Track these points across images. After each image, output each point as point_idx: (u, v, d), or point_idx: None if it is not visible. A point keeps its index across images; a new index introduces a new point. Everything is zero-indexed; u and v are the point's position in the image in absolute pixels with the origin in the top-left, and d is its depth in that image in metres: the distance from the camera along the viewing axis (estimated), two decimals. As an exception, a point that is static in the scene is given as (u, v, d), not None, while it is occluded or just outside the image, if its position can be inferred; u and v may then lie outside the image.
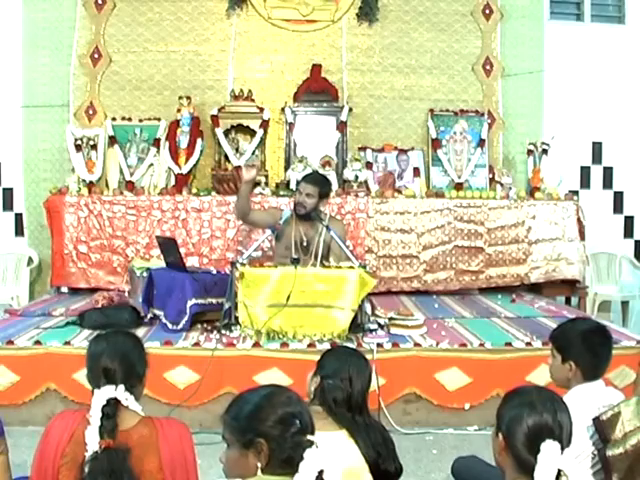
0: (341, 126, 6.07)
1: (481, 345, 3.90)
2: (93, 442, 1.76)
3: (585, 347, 2.26)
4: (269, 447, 1.51)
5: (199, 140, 5.94)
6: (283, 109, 6.15)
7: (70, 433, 1.83)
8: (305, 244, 4.45)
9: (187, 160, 5.90)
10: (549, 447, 1.55)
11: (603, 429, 2.04)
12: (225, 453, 1.60)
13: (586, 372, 2.26)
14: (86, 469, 1.75)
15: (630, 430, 2.01)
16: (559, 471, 1.55)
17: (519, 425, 1.61)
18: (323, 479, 1.50)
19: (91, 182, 5.77)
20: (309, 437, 1.53)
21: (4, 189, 6.38)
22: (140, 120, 6.13)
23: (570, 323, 2.48)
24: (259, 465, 1.52)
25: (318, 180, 4.55)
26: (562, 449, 1.57)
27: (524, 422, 1.60)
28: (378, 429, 2.21)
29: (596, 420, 2.07)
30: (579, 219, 5.74)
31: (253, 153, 5.95)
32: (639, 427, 2.02)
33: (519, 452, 1.60)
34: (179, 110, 5.97)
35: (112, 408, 1.82)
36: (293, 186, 5.60)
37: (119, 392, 1.85)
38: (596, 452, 2.08)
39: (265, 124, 5.96)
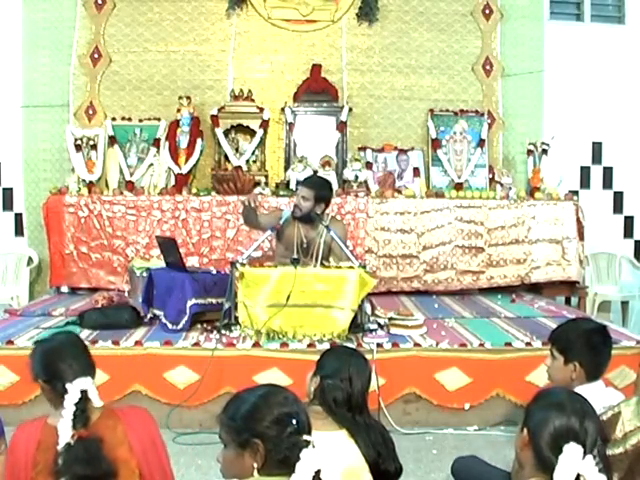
0: (341, 126, 6.07)
1: (481, 345, 3.90)
2: (66, 434, 1.77)
3: (589, 347, 2.26)
4: (265, 447, 1.51)
5: (199, 140, 5.94)
6: (283, 109, 6.15)
7: (36, 442, 1.84)
8: (305, 245, 4.44)
9: (187, 160, 5.90)
10: (572, 449, 1.56)
11: (603, 429, 2.04)
12: (222, 453, 1.60)
13: (589, 372, 2.26)
14: (60, 460, 1.75)
15: (630, 430, 2.01)
16: (578, 475, 1.55)
17: (546, 425, 1.63)
18: (321, 479, 1.50)
19: (91, 182, 5.77)
20: (306, 437, 1.53)
21: (4, 189, 6.38)
22: (140, 120, 6.13)
23: (571, 324, 2.48)
24: (255, 465, 1.52)
25: (315, 184, 4.46)
26: (585, 454, 1.57)
27: (551, 423, 1.62)
28: (378, 429, 2.21)
29: (596, 420, 2.07)
30: (579, 219, 5.74)
31: (253, 153, 5.95)
32: (639, 427, 2.02)
33: (542, 450, 1.62)
34: (179, 110, 5.97)
35: (84, 400, 1.85)
36: (293, 186, 5.61)
37: (88, 383, 1.88)
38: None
39: (265, 124, 5.96)
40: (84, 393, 1.85)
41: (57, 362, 1.93)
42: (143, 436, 1.94)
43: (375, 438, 2.14)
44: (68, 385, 1.85)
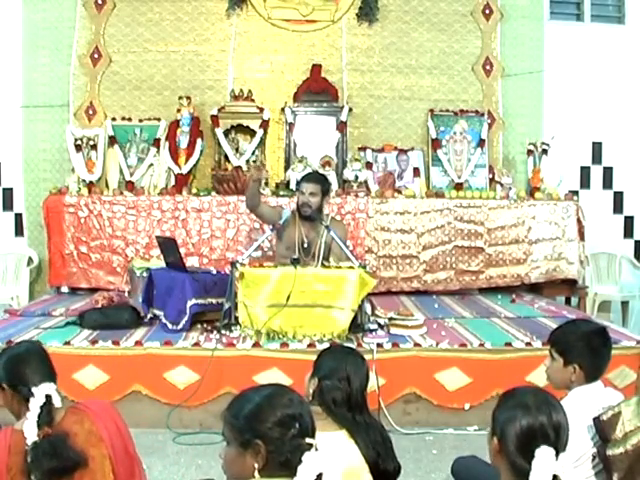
0: (341, 126, 6.07)
1: (481, 345, 3.90)
2: (32, 435, 1.83)
3: (589, 349, 2.26)
4: (267, 449, 1.50)
5: (199, 140, 5.94)
6: (283, 109, 6.15)
7: (6, 448, 1.87)
8: (306, 245, 4.45)
9: (187, 160, 5.90)
10: (544, 453, 1.53)
11: (603, 429, 2.04)
12: (224, 450, 1.59)
13: (588, 374, 2.26)
14: (29, 458, 1.80)
15: (630, 430, 2.01)
16: (554, 476, 1.53)
17: (513, 428, 1.59)
18: None
19: (91, 182, 5.77)
20: (309, 440, 1.52)
21: (4, 189, 6.38)
22: (140, 120, 6.13)
23: (571, 325, 2.47)
24: (256, 466, 1.50)
25: (319, 178, 4.60)
26: (557, 453, 1.55)
27: (518, 424, 1.59)
28: (377, 428, 2.21)
29: (596, 420, 2.07)
30: (579, 219, 5.74)
31: (253, 153, 5.95)
32: (639, 427, 2.02)
33: (513, 455, 1.59)
34: (179, 110, 5.97)
35: (48, 405, 1.91)
36: (293, 186, 5.60)
37: (52, 389, 1.96)
38: (597, 452, 2.08)
39: (265, 124, 5.96)
40: (49, 397, 1.92)
41: (23, 368, 2.00)
42: (109, 425, 2.01)
43: (375, 437, 2.14)
44: (34, 389, 1.92)
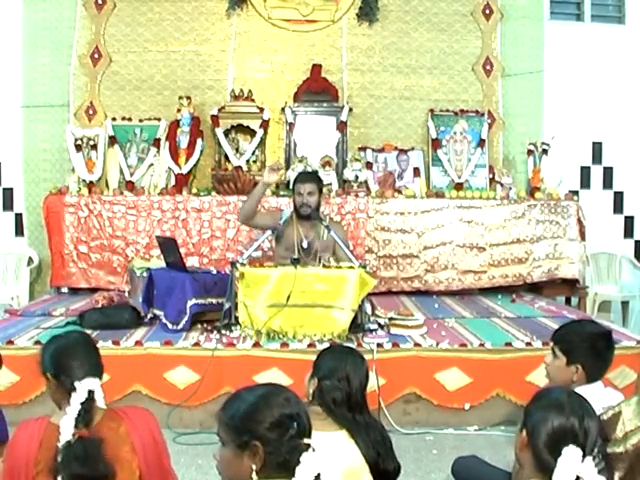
0: (341, 126, 6.07)
1: (481, 345, 3.90)
2: (68, 432, 1.77)
3: (593, 352, 2.26)
4: (265, 450, 1.48)
5: (199, 140, 5.94)
6: (283, 109, 6.15)
7: (38, 440, 1.83)
8: (306, 245, 4.45)
9: (187, 160, 5.90)
10: (571, 452, 1.55)
11: (604, 428, 2.04)
12: (219, 451, 1.57)
13: (590, 375, 2.25)
14: (59, 457, 1.75)
15: (631, 430, 2.01)
16: (577, 477, 1.54)
17: (544, 425, 1.61)
18: None
19: (91, 182, 5.77)
20: (306, 440, 1.51)
21: (4, 189, 6.38)
22: (140, 120, 6.13)
23: (577, 326, 2.46)
24: (253, 467, 1.49)
25: (314, 177, 4.63)
26: (584, 456, 1.56)
27: (550, 423, 1.61)
28: (377, 428, 2.21)
29: (597, 420, 2.07)
30: (579, 219, 5.74)
31: (253, 153, 5.95)
32: (639, 426, 2.02)
33: (540, 452, 1.61)
34: (179, 110, 5.97)
35: (89, 401, 1.85)
36: (293, 186, 5.61)
37: (96, 384, 1.89)
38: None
39: (265, 124, 5.96)
40: (91, 393, 1.86)
41: (69, 359, 1.94)
42: (145, 436, 1.94)
43: (375, 437, 2.14)
44: (77, 383, 1.86)
